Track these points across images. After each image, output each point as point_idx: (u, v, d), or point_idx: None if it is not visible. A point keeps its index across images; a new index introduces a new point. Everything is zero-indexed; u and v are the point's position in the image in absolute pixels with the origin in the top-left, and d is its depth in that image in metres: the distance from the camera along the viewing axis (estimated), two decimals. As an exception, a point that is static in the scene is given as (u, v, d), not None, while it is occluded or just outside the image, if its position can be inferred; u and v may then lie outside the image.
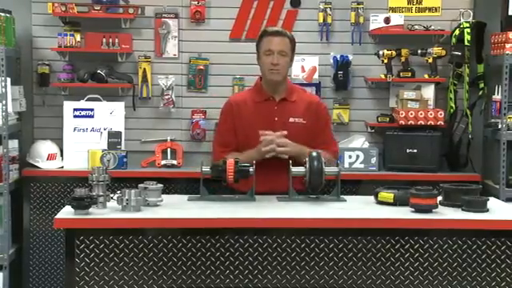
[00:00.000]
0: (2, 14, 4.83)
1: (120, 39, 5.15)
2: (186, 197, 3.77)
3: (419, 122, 5.11)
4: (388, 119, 5.26)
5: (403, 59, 5.21)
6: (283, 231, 3.29)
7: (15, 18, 5.03)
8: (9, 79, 4.79)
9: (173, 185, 4.73)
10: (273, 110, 3.98)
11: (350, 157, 5.14)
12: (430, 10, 5.33)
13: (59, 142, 5.11)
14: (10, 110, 4.81)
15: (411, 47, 5.21)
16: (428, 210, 3.36)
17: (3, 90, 4.71)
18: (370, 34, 5.29)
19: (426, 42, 5.23)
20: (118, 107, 5.13)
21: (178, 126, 5.33)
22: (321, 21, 5.29)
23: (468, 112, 5.20)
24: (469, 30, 5.11)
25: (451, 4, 5.29)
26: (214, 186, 3.81)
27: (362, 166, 5.13)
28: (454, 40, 5.14)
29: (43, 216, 5.01)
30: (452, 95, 5.21)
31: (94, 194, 3.38)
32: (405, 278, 3.30)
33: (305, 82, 5.16)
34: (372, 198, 3.68)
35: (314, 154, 3.66)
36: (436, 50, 5.16)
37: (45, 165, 5.06)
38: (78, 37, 5.12)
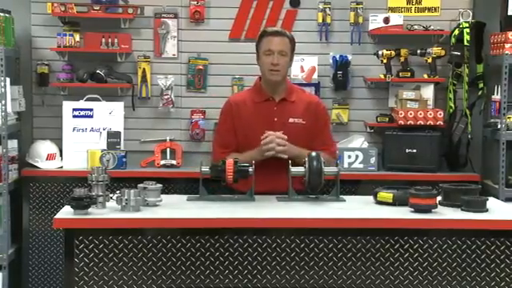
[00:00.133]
0: (2, 14, 4.83)
1: (119, 39, 5.15)
2: (185, 197, 3.77)
3: (418, 122, 5.11)
4: (387, 119, 5.27)
5: (402, 59, 5.21)
6: (282, 231, 3.29)
7: (14, 17, 5.03)
8: (8, 79, 4.79)
9: (172, 185, 4.72)
10: (272, 111, 3.98)
11: (350, 157, 5.14)
12: (429, 9, 5.33)
13: (58, 141, 5.11)
14: (9, 109, 4.81)
15: (410, 47, 5.21)
16: (427, 209, 3.36)
17: (2, 89, 4.71)
18: (369, 34, 5.29)
19: (425, 41, 5.23)
20: (118, 107, 5.13)
21: (177, 126, 5.33)
22: (320, 21, 5.29)
23: (467, 112, 5.20)
24: (468, 30, 5.11)
25: (450, 4, 5.29)
26: (213, 185, 3.81)
27: (361, 166, 5.13)
28: (453, 40, 5.14)
29: (42, 216, 5.01)
30: (451, 95, 5.21)
31: (94, 193, 3.37)
32: (404, 277, 3.30)
33: (304, 82, 5.16)
34: (371, 198, 3.68)
35: (314, 154, 3.66)
36: (435, 50, 5.16)
37: (44, 165, 5.06)
38: (77, 37, 5.12)
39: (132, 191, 3.35)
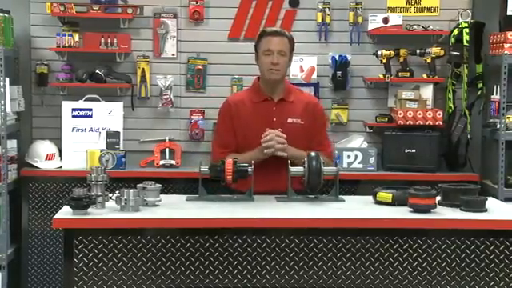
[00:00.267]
0: (1, 14, 4.83)
1: (118, 39, 5.15)
2: (184, 197, 3.77)
3: (418, 122, 5.11)
4: (386, 119, 5.27)
5: (402, 59, 5.21)
6: (282, 231, 3.28)
7: (14, 17, 5.02)
8: (7, 79, 4.79)
9: (171, 185, 4.72)
10: (271, 111, 3.98)
11: (349, 157, 5.13)
12: (428, 9, 5.33)
13: (58, 141, 5.11)
14: (8, 109, 4.80)
15: (410, 47, 5.21)
16: (426, 209, 3.36)
17: (2, 89, 4.71)
18: (368, 34, 5.29)
19: (424, 41, 5.23)
20: (117, 107, 5.13)
21: (176, 126, 5.33)
22: (319, 21, 5.29)
23: (467, 112, 5.20)
24: (467, 30, 5.12)
25: (450, 4, 5.29)
26: (212, 185, 3.81)
27: (360, 165, 5.13)
28: (452, 40, 5.14)
29: (42, 216, 5.01)
30: (451, 95, 5.21)
31: (93, 193, 3.37)
32: (403, 277, 3.30)
33: (303, 82, 5.16)
34: (370, 197, 3.68)
35: (313, 154, 3.66)
36: (434, 50, 5.16)
37: (43, 165, 5.05)
38: (76, 37, 5.12)
39: (131, 191, 3.35)
